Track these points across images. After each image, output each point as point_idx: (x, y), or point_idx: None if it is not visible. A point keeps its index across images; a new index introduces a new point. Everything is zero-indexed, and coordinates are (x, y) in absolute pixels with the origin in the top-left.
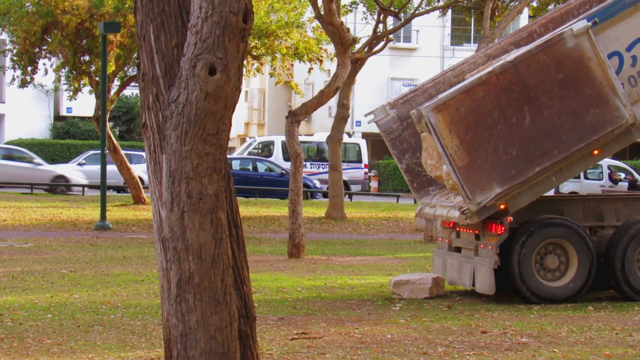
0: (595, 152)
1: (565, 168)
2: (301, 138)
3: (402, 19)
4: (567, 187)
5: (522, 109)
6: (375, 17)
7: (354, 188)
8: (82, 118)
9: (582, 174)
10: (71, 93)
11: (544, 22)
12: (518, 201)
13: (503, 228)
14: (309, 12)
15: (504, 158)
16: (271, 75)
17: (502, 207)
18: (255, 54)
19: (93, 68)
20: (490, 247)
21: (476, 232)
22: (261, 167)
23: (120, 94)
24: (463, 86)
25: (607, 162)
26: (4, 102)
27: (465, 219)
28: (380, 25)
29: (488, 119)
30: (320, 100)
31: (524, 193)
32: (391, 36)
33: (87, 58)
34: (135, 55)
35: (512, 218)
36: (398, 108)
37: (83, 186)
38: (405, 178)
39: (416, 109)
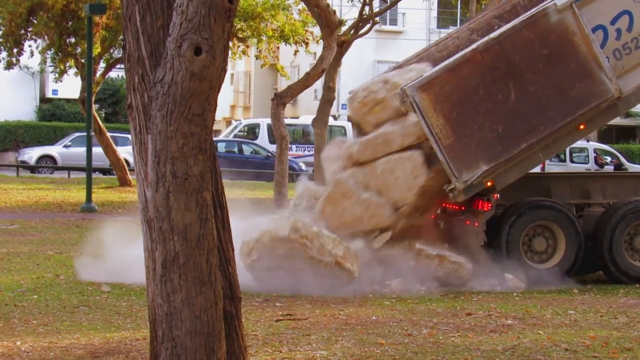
0: (582, 126)
1: (551, 144)
2: (287, 121)
3: (389, 1)
4: (552, 170)
5: (507, 85)
6: None
7: None
8: (68, 100)
9: (568, 157)
10: (57, 75)
11: None
12: (505, 178)
13: (489, 205)
14: None
15: (489, 135)
16: (257, 57)
17: (489, 184)
18: (241, 36)
19: (79, 50)
20: (476, 224)
21: (462, 208)
22: (247, 150)
23: (106, 76)
24: (447, 64)
25: (593, 145)
26: None
27: (452, 197)
28: (367, 8)
29: (473, 96)
30: (306, 82)
31: (511, 170)
32: (377, 19)
33: (72, 40)
34: (120, 37)
35: (498, 195)
36: None
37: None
38: None
39: (401, 89)
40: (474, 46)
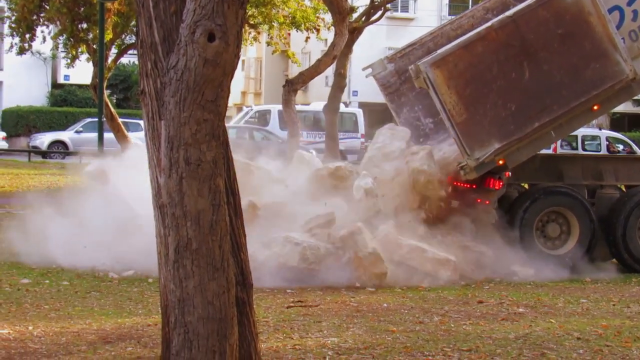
0: (595, 107)
1: (564, 123)
2: (298, 107)
3: None
4: None
5: (521, 64)
6: None
7: (350, 158)
8: (80, 86)
9: (580, 145)
10: (69, 61)
11: None
12: (517, 156)
13: (501, 183)
14: None
15: (502, 113)
16: (268, 44)
17: (500, 162)
18: (252, 22)
19: (91, 36)
20: (487, 202)
21: (474, 186)
22: (258, 136)
23: (118, 62)
24: (461, 41)
25: (605, 133)
26: (2, 70)
27: (463, 174)
28: None
29: (487, 74)
30: (317, 69)
31: (523, 149)
32: (389, 6)
33: (84, 26)
34: (132, 23)
35: (510, 173)
36: (396, 62)
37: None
38: None
39: (414, 65)
40: (488, 24)
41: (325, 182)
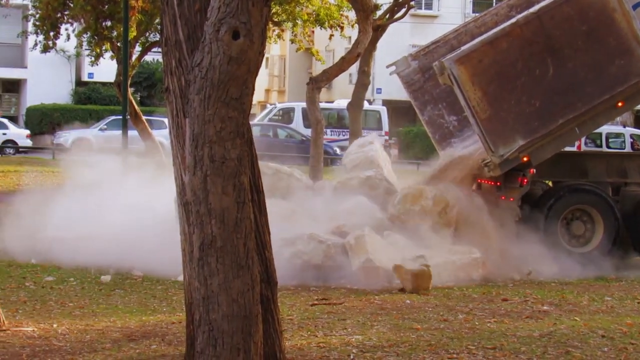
0: (620, 104)
1: (589, 120)
2: (322, 105)
3: None
4: None
5: (545, 61)
6: None
7: None
8: (104, 84)
9: (604, 142)
10: (93, 58)
11: None
12: (541, 153)
13: (525, 180)
14: None
15: (527, 110)
16: (292, 41)
17: (525, 159)
18: (276, 20)
19: (115, 33)
20: (511, 200)
21: (498, 184)
22: (281, 134)
23: (142, 60)
24: (486, 38)
25: (629, 130)
26: (26, 68)
27: (487, 171)
28: None
29: (511, 71)
30: (341, 67)
31: (547, 145)
32: (412, 3)
33: (108, 23)
34: (156, 20)
35: (534, 170)
36: (420, 59)
37: None
38: (427, 130)
39: (438, 61)
40: (513, 20)
41: (353, 190)
